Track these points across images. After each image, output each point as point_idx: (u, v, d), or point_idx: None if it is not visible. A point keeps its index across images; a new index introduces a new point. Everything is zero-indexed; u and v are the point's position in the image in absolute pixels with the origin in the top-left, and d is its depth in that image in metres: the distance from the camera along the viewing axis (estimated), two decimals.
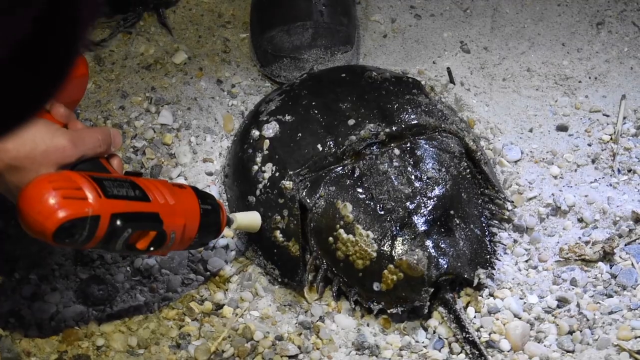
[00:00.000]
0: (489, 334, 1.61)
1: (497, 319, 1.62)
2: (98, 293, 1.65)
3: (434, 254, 1.60)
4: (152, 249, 1.43)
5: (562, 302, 1.65)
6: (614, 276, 1.68)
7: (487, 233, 1.69)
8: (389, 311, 1.61)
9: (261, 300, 1.67)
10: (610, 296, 1.65)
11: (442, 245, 1.62)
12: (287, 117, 1.75)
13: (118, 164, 1.51)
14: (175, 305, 1.65)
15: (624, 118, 1.96)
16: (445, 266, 1.60)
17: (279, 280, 1.69)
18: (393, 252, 1.60)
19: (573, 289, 1.67)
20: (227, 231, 1.72)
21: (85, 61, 1.60)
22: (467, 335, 1.57)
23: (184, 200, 1.50)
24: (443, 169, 1.68)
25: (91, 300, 1.65)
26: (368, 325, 1.64)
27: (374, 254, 1.61)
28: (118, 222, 1.36)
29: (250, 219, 1.67)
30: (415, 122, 1.73)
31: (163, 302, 1.66)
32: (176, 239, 1.47)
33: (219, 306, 1.66)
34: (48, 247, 1.71)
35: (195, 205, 1.52)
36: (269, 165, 1.71)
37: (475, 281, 1.63)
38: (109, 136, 1.45)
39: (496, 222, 1.73)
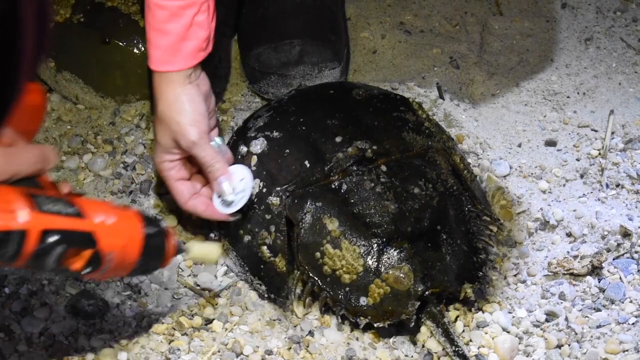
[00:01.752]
0: (478, 348, 1.61)
1: (486, 333, 1.62)
2: (88, 308, 1.65)
3: (420, 268, 1.61)
4: (87, 270, 1.37)
5: (551, 316, 1.65)
6: (602, 290, 1.69)
7: (474, 249, 1.70)
8: (375, 325, 1.62)
9: (251, 314, 1.67)
10: (599, 310, 1.66)
11: (429, 260, 1.62)
12: (275, 134, 1.75)
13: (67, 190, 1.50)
14: (165, 319, 1.66)
15: (612, 133, 1.97)
16: (432, 280, 1.61)
17: (265, 296, 1.70)
18: (380, 266, 1.61)
19: (561, 302, 1.68)
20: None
21: (43, 91, 1.55)
22: (457, 349, 1.57)
23: (124, 222, 1.42)
24: (430, 186, 1.69)
25: (81, 315, 1.65)
26: (357, 339, 1.64)
27: (361, 269, 1.61)
28: (48, 239, 1.30)
29: (208, 250, 1.65)
30: (403, 139, 1.74)
31: (153, 316, 1.66)
32: (114, 261, 1.40)
33: (208, 321, 1.66)
34: None
35: (137, 227, 1.44)
36: (257, 181, 1.71)
37: (462, 295, 1.63)
38: (43, 155, 1.43)
39: (483, 238, 1.74)
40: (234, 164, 1.73)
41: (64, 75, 2.00)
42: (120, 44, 1.97)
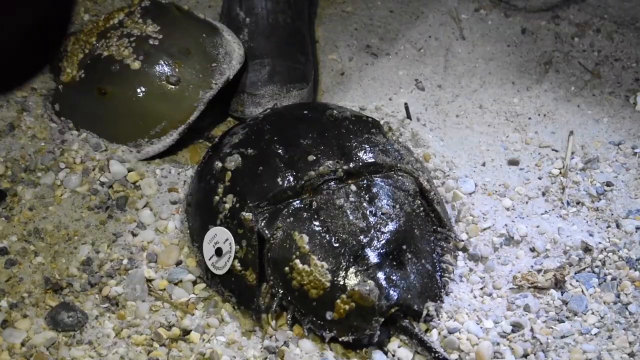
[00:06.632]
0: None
1: (459, 339, 1.68)
2: (68, 320, 1.69)
3: (385, 285, 1.66)
4: None
5: (517, 327, 1.71)
6: (565, 302, 1.75)
7: (437, 268, 1.75)
8: (340, 339, 1.66)
9: (227, 326, 1.71)
10: (562, 321, 1.72)
11: (394, 278, 1.67)
12: (250, 151, 1.80)
13: None
14: (144, 331, 1.69)
15: (572, 153, 2.04)
16: (396, 297, 1.66)
17: (235, 307, 1.74)
18: (346, 282, 1.66)
19: (526, 314, 1.74)
20: (190, 261, 1.80)
21: None
22: (437, 355, 1.63)
23: None
24: (397, 206, 1.74)
25: (61, 326, 1.68)
26: (331, 349, 1.68)
27: (328, 284, 1.66)
28: None
29: None
30: (373, 160, 1.79)
31: (131, 328, 1.70)
32: None
33: (186, 332, 1.70)
34: (18, 276, 1.75)
35: None
36: (230, 196, 1.76)
37: (424, 313, 1.69)
38: None
39: (447, 258, 1.80)
40: (204, 182, 1.79)
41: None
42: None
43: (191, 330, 1.70)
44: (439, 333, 1.70)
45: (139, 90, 1.97)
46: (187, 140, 2.03)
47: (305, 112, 1.90)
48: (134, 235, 1.85)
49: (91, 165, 1.95)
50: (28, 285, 1.75)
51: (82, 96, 2.02)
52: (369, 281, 1.65)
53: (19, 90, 2.11)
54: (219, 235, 1.73)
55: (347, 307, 1.65)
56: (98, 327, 1.70)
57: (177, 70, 1.96)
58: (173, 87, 1.96)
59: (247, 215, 1.72)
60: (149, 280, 1.78)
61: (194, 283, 1.79)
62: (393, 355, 1.67)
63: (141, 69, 1.97)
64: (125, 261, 1.80)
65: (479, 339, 1.69)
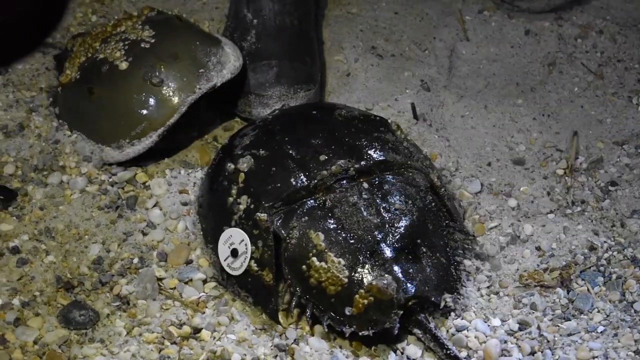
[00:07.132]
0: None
1: (467, 337, 1.70)
2: (79, 318, 1.71)
3: (402, 279, 1.68)
4: None
5: (524, 325, 1.73)
6: (571, 301, 1.77)
7: (452, 261, 1.77)
8: (360, 334, 1.68)
9: (237, 324, 1.73)
10: (569, 319, 1.74)
11: (410, 271, 1.69)
12: (262, 152, 1.82)
13: None
14: (155, 329, 1.71)
15: (577, 153, 2.06)
16: (413, 290, 1.68)
17: (250, 306, 1.76)
18: (363, 277, 1.68)
19: (533, 312, 1.75)
20: (202, 261, 1.81)
21: None
22: (448, 352, 1.65)
23: None
24: (410, 202, 1.76)
25: (73, 324, 1.70)
26: (341, 347, 1.70)
27: (346, 280, 1.68)
28: None
29: None
30: (383, 158, 1.81)
31: (142, 326, 1.72)
32: None
33: (197, 330, 1.71)
34: (29, 274, 1.77)
35: None
36: (244, 197, 1.77)
37: (442, 304, 1.71)
38: None
39: (460, 252, 1.82)
40: (217, 184, 1.80)
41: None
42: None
43: (202, 329, 1.72)
44: (447, 331, 1.72)
45: (122, 90, 1.99)
46: (195, 141, 2.05)
47: (314, 112, 1.92)
48: (144, 234, 1.87)
49: (85, 168, 1.98)
50: (40, 284, 1.77)
51: (76, 97, 2.05)
52: (386, 275, 1.67)
53: (28, 90, 2.13)
54: (234, 236, 1.75)
55: (365, 301, 1.67)
56: (109, 325, 1.72)
57: (162, 71, 1.98)
58: (155, 88, 1.98)
59: (263, 215, 1.74)
60: (160, 279, 1.80)
61: (204, 282, 1.80)
62: (402, 353, 1.69)
63: (127, 69, 1.99)
64: (135, 260, 1.82)
65: (486, 336, 1.70)
